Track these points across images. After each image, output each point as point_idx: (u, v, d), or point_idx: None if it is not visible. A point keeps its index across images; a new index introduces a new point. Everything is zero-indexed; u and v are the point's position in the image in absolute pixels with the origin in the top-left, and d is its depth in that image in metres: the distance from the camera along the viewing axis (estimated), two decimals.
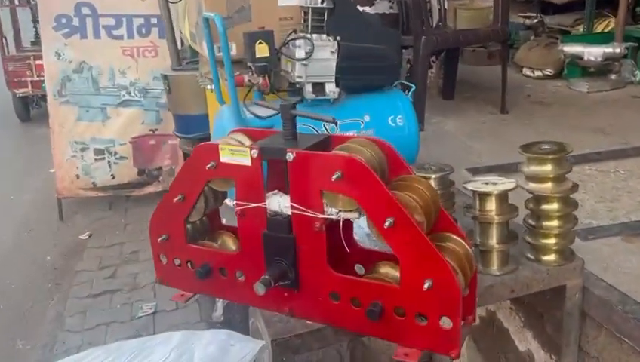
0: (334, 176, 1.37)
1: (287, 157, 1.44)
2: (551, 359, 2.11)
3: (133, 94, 5.39)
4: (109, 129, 5.40)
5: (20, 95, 8.84)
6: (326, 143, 1.56)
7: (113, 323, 3.76)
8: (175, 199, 1.65)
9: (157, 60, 5.22)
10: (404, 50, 4.45)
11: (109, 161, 5.46)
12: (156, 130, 5.50)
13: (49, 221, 5.40)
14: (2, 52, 8.65)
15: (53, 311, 3.95)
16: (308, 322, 1.60)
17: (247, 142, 1.66)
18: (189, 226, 1.73)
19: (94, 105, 5.36)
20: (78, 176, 5.42)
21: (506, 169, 3.01)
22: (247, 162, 1.51)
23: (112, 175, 5.51)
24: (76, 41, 5.27)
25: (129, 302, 3.94)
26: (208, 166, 1.55)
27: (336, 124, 1.53)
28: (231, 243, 1.77)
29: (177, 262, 1.76)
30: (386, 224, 1.34)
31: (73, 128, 5.36)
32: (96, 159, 5.44)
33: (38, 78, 8.19)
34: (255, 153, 1.48)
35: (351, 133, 2.32)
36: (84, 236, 5.06)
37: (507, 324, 2.37)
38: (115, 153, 5.46)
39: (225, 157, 1.54)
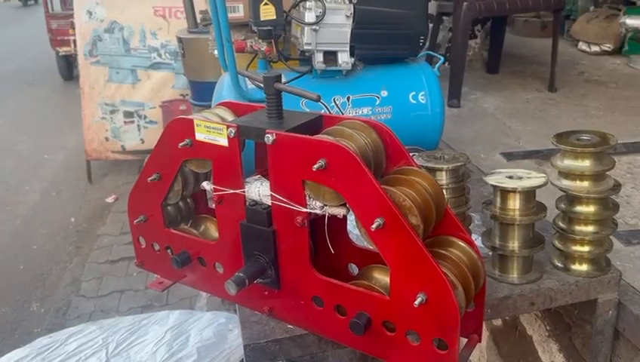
0: (316, 165, 1.15)
1: (265, 138, 1.23)
2: None
3: (164, 57, 5.27)
4: (139, 92, 5.32)
5: (63, 53, 8.90)
6: (317, 124, 1.33)
7: (128, 291, 3.72)
8: (150, 179, 1.48)
9: None
10: (444, 18, 4.11)
11: (138, 125, 5.40)
12: (187, 95, 5.36)
13: (78, 182, 5.43)
14: (46, 9, 8.68)
15: (70, 275, 3.94)
16: (289, 326, 1.42)
17: (230, 117, 1.46)
18: (169, 208, 1.56)
19: (125, 66, 5.28)
20: (107, 139, 5.40)
21: (546, 155, 2.71)
22: (224, 142, 1.31)
23: (141, 139, 5.46)
24: None
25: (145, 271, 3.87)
26: (182, 143, 1.37)
27: (319, 100, 1.28)
28: (214, 231, 1.59)
29: (156, 247, 1.60)
30: (374, 225, 1.13)
31: (103, 90, 5.30)
32: (125, 122, 5.38)
33: None
34: (232, 132, 1.28)
35: (365, 110, 2.08)
36: (110, 199, 5.05)
37: (531, 331, 2.12)
38: (145, 117, 5.38)
39: (200, 135, 1.35)
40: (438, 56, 2.19)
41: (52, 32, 8.66)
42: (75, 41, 8.52)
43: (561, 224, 1.58)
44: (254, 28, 1.97)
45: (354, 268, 1.46)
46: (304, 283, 1.32)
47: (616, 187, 1.51)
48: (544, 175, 1.54)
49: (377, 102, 2.06)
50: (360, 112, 2.06)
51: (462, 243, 1.25)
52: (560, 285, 1.55)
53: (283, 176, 1.24)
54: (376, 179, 1.13)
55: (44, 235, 4.48)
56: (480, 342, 1.33)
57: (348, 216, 1.27)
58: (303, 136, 1.20)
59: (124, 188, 5.23)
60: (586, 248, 1.55)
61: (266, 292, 1.40)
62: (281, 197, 1.26)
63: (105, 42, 5.19)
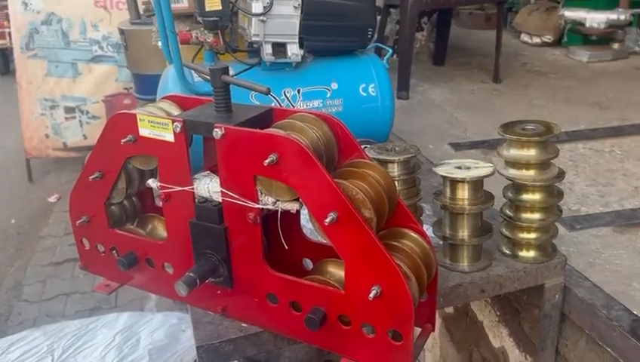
0: (268, 160, 1.13)
1: (214, 133, 1.19)
2: (526, 359, 1.92)
3: (106, 49, 5.08)
4: (80, 86, 5.11)
5: None
6: (267, 118, 1.31)
7: (74, 293, 3.58)
8: (92, 177, 1.41)
9: None
10: (392, 10, 4.14)
11: (80, 121, 5.19)
12: (131, 88, 5.19)
13: (18, 182, 5.18)
14: None
15: (12, 279, 3.76)
16: (243, 325, 1.39)
17: (176, 112, 1.41)
18: (114, 208, 1.50)
19: (64, 59, 5.05)
20: (47, 136, 5.17)
21: (492, 145, 2.77)
22: (170, 137, 1.26)
23: (84, 135, 5.26)
24: None
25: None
26: (125, 140, 1.31)
27: (268, 92, 1.26)
28: (162, 230, 1.54)
29: (101, 248, 1.53)
30: (327, 220, 1.12)
31: (42, 84, 5.06)
32: (66, 118, 5.17)
33: None
34: (178, 127, 1.24)
35: (315, 103, 2.07)
36: (52, 199, 4.84)
37: (481, 317, 2.17)
38: (87, 112, 5.18)
39: (144, 131, 1.30)
40: (387, 48, 2.19)
41: None
42: (10, 34, 8.19)
43: (508, 212, 1.61)
44: (199, 19, 1.92)
45: (308, 263, 1.45)
46: (258, 281, 1.29)
47: (561, 175, 1.55)
48: (491, 164, 1.56)
49: (328, 95, 2.04)
50: (311, 105, 2.05)
51: (414, 235, 1.26)
52: (509, 272, 1.59)
53: (233, 172, 1.21)
54: (329, 173, 1.12)
55: None
56: (433, 331, 1.35)
57: (301, 211, 1.26)
58: (253, 130, 1.17)
59: (67, 187, 5.02)
60: (532, 235, 1.59)
61: (219, 292, 1.36)
62: (232, 194, 1.23)
63: (42, 35, 4.94)
